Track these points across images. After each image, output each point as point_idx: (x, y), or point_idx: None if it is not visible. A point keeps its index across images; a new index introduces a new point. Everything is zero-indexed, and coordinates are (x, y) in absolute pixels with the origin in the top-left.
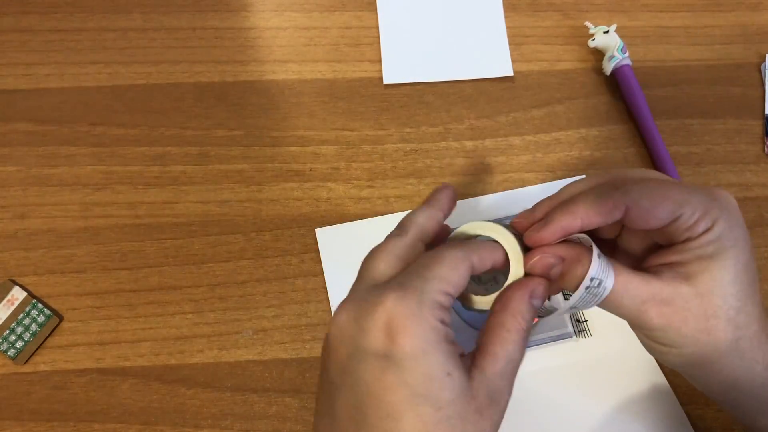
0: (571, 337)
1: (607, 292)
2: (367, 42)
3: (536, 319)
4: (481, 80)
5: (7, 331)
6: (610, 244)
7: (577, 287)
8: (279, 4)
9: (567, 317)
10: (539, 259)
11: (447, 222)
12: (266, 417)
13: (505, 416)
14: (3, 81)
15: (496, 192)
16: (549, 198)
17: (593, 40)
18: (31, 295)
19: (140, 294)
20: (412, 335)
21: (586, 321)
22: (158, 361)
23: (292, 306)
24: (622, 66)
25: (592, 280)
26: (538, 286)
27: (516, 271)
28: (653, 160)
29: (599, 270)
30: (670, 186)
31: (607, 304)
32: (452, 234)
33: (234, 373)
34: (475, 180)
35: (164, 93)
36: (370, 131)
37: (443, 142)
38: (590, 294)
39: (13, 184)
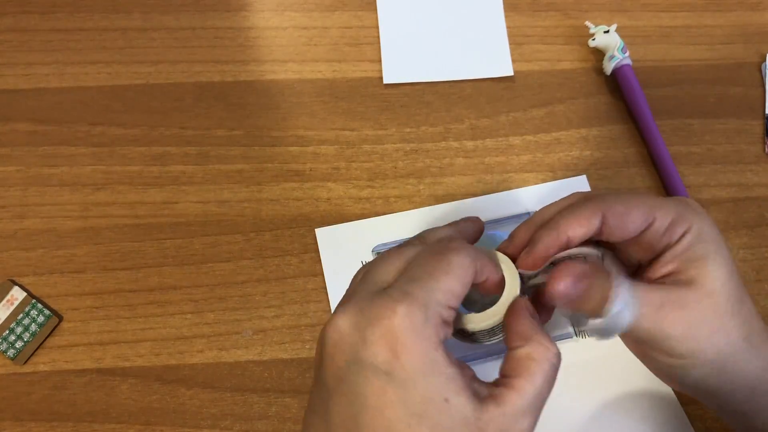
0: (571, 337)
1: (626, 322)
2: (367, 42)
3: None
4: (481, 80)
5: (7, 332)
6: None
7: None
8: (279, 4)
9: (567, 317)
10: (561, 275)
11: None
12: (266, 417)
13: None
14: (3, 81)
15: (496, 192)
16: (525, 222)
17: (593, 39)
18: (30, 295)
19: (140, 294)
20: (415, 354)
21: None
22: (158, 361)
23: (292, 306)
24: (623, 66)
25: (618, 312)
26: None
27: (513, 285)
28: (653, 160)
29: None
30: (642, 194)
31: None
32: None
33: (234, 373)
34: (475, 180)
35: (164, 93)
36: (370, 131)
37: (443, 142)
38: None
39: (13, 184)
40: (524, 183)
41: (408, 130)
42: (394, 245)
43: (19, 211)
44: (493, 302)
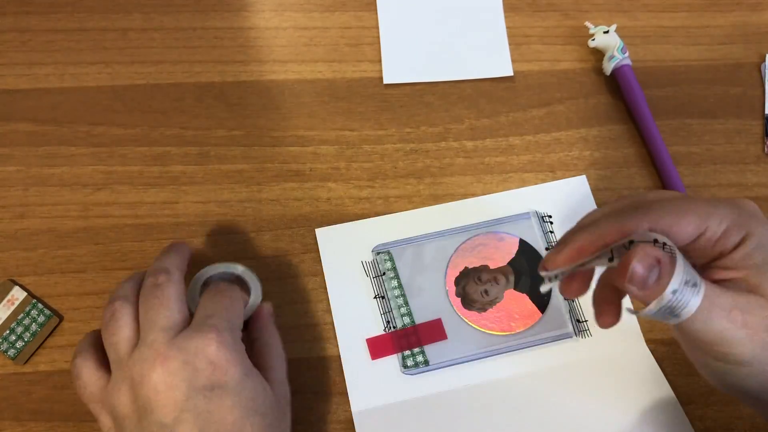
0: (571, 337)
1: (690, 309)
2: (367, 42)
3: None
4: (481, 80)
5: (7, 331)
6: None
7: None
8: (279, 4)
9: (567, 317)
10: (642, 257)
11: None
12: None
13: (505, 415)
14: (3, 81)
15: (496, 192)
16: (571, 229)
17: (593, 40)
18: (31, 295)
19: None
20: (237, 365)
21: (586, 321)
22: None
23: (292, 306)
24: (622, 66)
25: (674, 292)
26: None
27: (256, 294)
28: (653, 160)
29: (682, 281)
30: (691, 201)
31: (695, 319)
32: (198, 274)
33: None
34: (475, 180)
35: (164, 93)
36: (370, 131)
37: (443, 142)
38: (669, 307)
39: (13, 184)
40: (524, 183)
41: (408, 130)
42: (384, 245)
43: (20, 211)
44: (492, 302)
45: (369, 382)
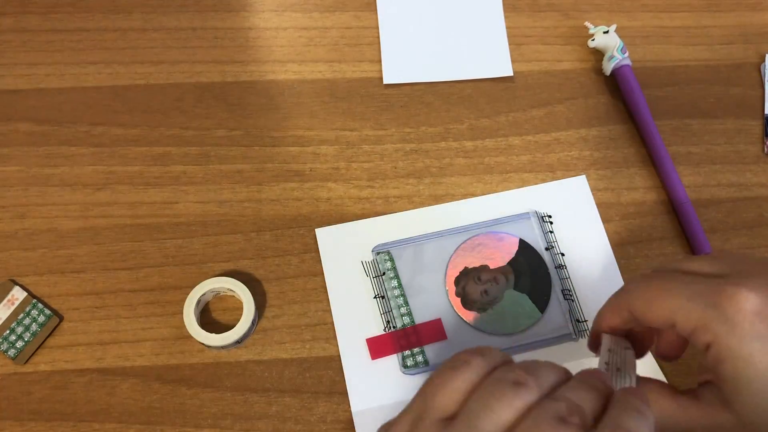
0: (571, 337)
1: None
2: (367, 42)
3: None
4: (481, 80)
5: (8, 331)
6: None
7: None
8: (279, 4)
9: (567, 317)
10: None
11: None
12: (266, 417)
13: None
14: (3, 81)
15: (496, 192)
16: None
17: (593, 40)
18: (31, 295)
19: (141, 294)
20: None
21: (585, 321)
22: (159, 361)
23: (292, 306)
24: (622, 66)
25: (607, 364)
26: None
27: (249, 309)
28: (652, 161)
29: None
30: (669, 288)
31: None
32: (191, 293)
33: (234, 373)
34: (475, 180)
35: (164, 93)
36: (370, 131)
37: (443, 142)
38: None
39: (13, 184)
40: (524, 183)
41: (408, 130)
42: (384, 245)
43: (20, 211)
44: (492, 302)
45: (369, 382)
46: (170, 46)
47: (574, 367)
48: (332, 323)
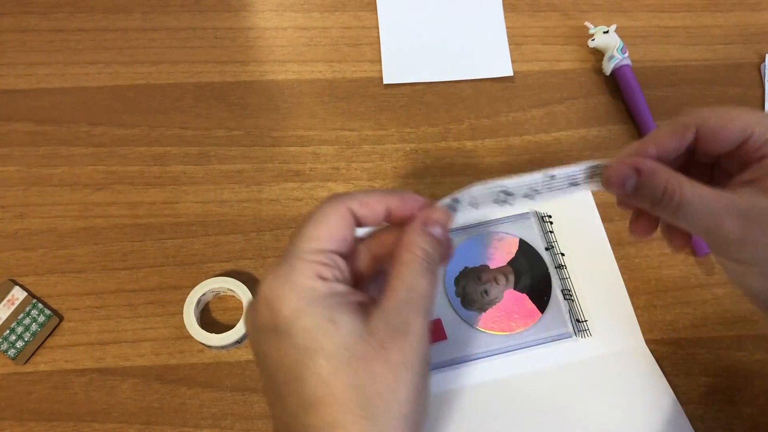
0: (571, 337)
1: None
2: (367, 42)
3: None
4: (481, 80)
5: (8, 331)
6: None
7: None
8: (279, 4)
9: (567, 317)
10: (614, 168)
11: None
12: (266, 417)
13: (505, 415)
14: (3, 81)
15: None
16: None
17: (593, 40)
18: (31, 295)
19: (141, 294)
20: (286, 301)
21: (586, 321)
22: (159, 361)
23: None
24: (622, 66)
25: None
26: (431, 214)
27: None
28: None
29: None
30: (740, 109)
31: (683, 216)
32: (191, 294)
33: (234, 373)
34: (475, 180)
35: (164, 93)
36: (370, 131)
37: (443, 142)
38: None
39: (13, 184)
40: None
41: (408, 130)
42: None
43: (20, 211)
44: (492, 302)
45: None
46: (170, 46)
47: (575, 367)
48: None
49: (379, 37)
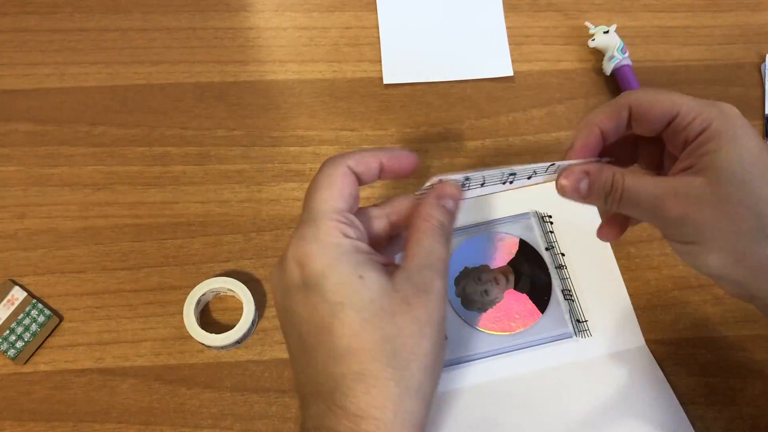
0: (571, 337)
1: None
2: (367, 42)
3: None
4: (481, 80)
5: (7, 331)
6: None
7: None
8: (279, 4)
9: (567, 317)
10: (565, 176)
11: None
12: (266, 417)
13: (505, 415)
14: (3, 81)
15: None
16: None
17: (593, 40)
18: (31, 295)
19: (140, 294)
20: (315, 258)
21: (586, 321)
22: (158, 361)
23: None
24: (622, 66)
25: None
26: (445, 188)
27: (249, 309)
28: None
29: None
30: (669, 91)
31: (631, 204)
32: (191, 294)
33: (234, 373)
34: None
35: (164, 93)
36: (370, 131)
37: (443, 142)
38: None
39: (13, 184)
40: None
41: (408, 130)
42: None
43: (20, 211)
44: (492, 302)
45: None
46: (170, 46)
47: (575, 367)
48: None
49: (379, 37)
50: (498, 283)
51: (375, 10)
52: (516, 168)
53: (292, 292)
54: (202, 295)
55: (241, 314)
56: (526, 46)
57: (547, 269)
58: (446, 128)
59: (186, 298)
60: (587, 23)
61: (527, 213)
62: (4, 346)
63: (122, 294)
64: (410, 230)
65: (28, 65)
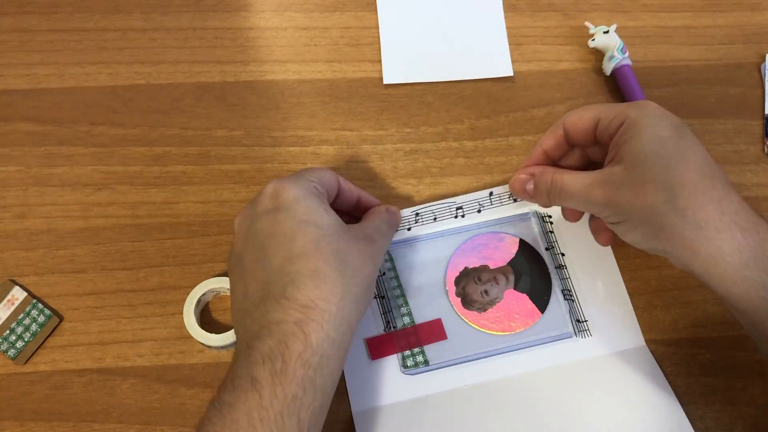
0: (571, 337)
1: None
2: (367, 42)
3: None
4: (481, 80)
5: (7, 331)
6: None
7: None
8: (279, 4)
9: (567, 317)
10: (514, 180)
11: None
12: None
13: (505, 415)
14: (3, 81)
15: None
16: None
17: (593, 40)
18: (31, 295)
19: (141, 294)
20: (290, 189)
21: (586, 321)
22: (158, 361)
23: None
24: (622, 66)
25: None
26: (390, 207)
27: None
28: None
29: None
30: (594, 104)
31: (568, 197)
32: (191, 293)
33: None
34: (475, 180)
35: (164, 93)
36: (370, 131)
37: (443, 142)
38: None
39: (13, 184)
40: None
41: (408, 130)
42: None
43: (20, 211)
44: (492, 302)
45: (369, 382)
46: (170, 46)
47: (575, 367)
48: None
49: (379, 37)
50: (498, 283)
51: (375, 10)
52: (459, 199)
53: (261, 216)
54: (202, 295)
55: None
56: (526, 46)
57: (547, 269)
58: (446, 128)
59: (186, 298)
60: (587, 23)
61: (527, 213)
62: (5, 346)
63: (122, 294)
64: (363, 218)
65: (28, 65)
